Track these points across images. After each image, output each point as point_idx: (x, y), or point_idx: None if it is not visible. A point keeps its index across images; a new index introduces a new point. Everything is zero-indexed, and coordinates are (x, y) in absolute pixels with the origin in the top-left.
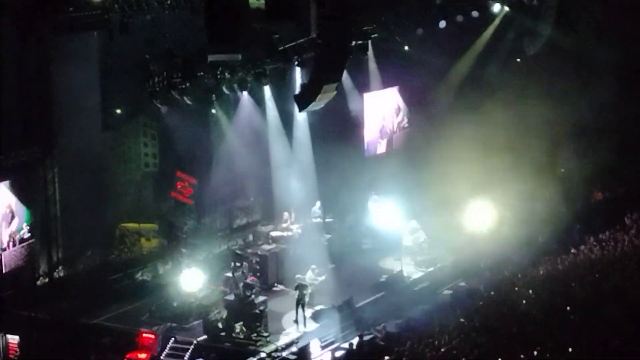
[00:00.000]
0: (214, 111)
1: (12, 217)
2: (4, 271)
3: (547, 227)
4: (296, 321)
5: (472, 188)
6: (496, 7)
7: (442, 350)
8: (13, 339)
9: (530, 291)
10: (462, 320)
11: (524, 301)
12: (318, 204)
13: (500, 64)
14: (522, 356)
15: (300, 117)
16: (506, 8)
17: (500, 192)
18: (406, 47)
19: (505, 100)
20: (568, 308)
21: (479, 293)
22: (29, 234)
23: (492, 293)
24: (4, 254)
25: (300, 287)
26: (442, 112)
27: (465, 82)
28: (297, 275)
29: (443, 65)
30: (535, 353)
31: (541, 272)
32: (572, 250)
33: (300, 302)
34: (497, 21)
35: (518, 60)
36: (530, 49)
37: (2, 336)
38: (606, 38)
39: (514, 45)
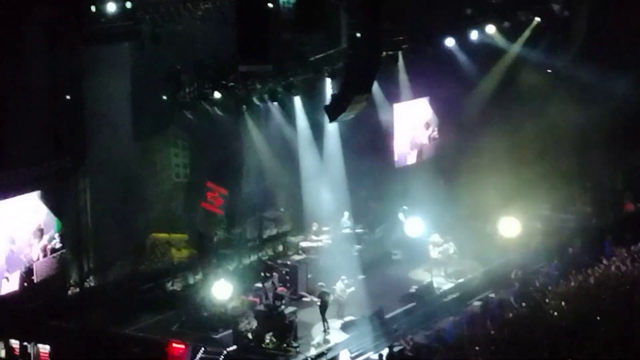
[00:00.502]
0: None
1: (42, 233)
2: (35, 281)
3: (578, 238)
4: (324, 330)
5: (502, 199)
6: (528, 18)
7: None
8: (44, 349)
9: (563, 303)
10: (492, 331)
11: (555, 313)
12: (346, 214)
13: (531, 74)
14: None
15: (331, 128)
16: (537, 19)
17: (530, 202)
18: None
19: (536, 111)
20: (599, 319)
21: (509, 304)
22: (60, 244)
23: (523, 304)
24: (35, 264)
25: (323, 295)
26: (472, 122)
27: (496, 92)
28: (320, 283)
29: (474, 76)
30: None
31: (572, 284)
32: (604, 262)
33: (324, 310)
34: (528, 32)
35: (549, 71)
36: (561, 60)
37: (33, 346)
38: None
39: (546, 55)
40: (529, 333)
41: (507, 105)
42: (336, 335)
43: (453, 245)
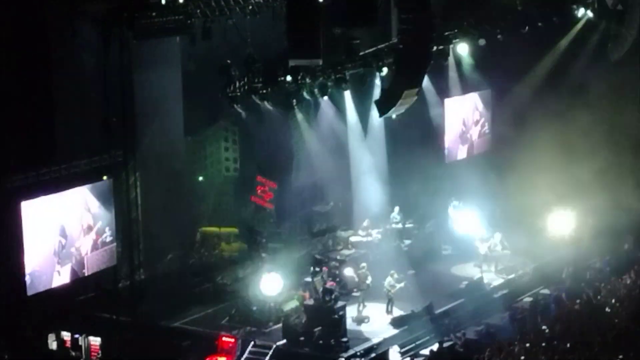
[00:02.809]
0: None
1: (93, 227)
2: (86, 274)
3: (631, 235)
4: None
5: (554, 194)
6: (580, 12)
7: (522, 358)
8: (95, 341)
9: (614, 300)
10: (543, 327)
11: (608, 309)
12: (397, 209)
13: (584, 68)
14: None
15: (380, 123)
16: (589, 13)
17: (583, 199)
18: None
19: (589, 105)
20: None
21: (560, 301)
22: (111, 237)
23: (578, 301)
24: (86, 257)
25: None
26: (524, 117)
27: (548, 87)
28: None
29: (525, 70)
30: None
31: (628, 282)
32: None
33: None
34: (579, 25)
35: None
36: (615, 53)
37: (84, 338)
38: None
39: (599, 49)
40: (580, 329)
41: (560, 99)
42: (386, 331)
43: (500, 242)
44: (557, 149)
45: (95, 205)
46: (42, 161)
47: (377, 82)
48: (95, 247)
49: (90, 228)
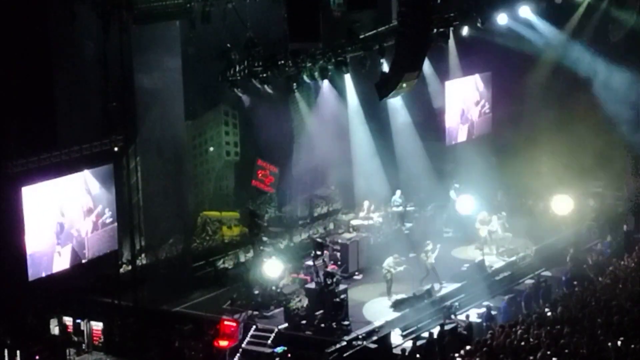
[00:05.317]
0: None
1: (93, 209)
2: (87, 255)
3: (632, 216)
4: None
5: (555, 176)
6: None
7: (524, 340)
8: (97, 326)
9: (615, 282)
10: (545, 310)
11: (609, 291)
12: (398, 192)
13: (583, 50)
14: (609, 344)
15: (382, 106)
16: None
17: (583, 179)
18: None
19: (588, 85)
20: None
21: (561, 282)
22: (111, 219)
23: (575, 283)
24: (87, 238)
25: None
26: (525, 100)
27: (547, 68)
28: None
29: (524, 52)
30: (619, 343)
31: (630, 264)
32: None
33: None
34: (582, 8)
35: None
36: (615, 35)
37: (86, 323)
38: None
39: (598, 31)
40: (582, 311)
41: (561, 81)
42: (387, 314)
43: (499, 224)
44: (558, 130)
45: (95, 187)
46: (42, 146)
47: (378, 65)
48: (95, 227)
49: (90, 210)
